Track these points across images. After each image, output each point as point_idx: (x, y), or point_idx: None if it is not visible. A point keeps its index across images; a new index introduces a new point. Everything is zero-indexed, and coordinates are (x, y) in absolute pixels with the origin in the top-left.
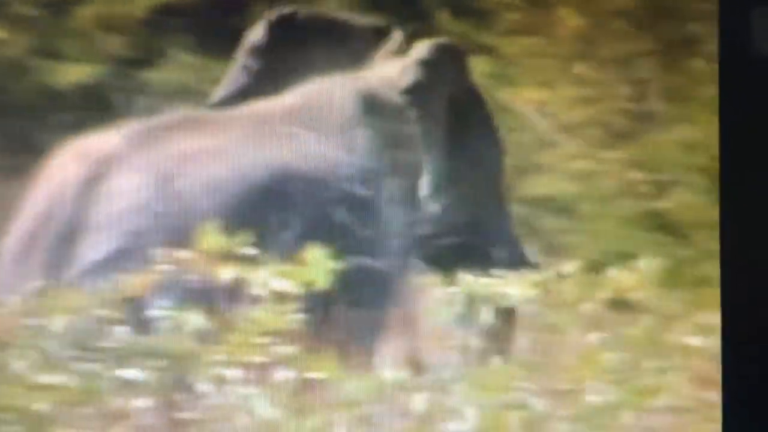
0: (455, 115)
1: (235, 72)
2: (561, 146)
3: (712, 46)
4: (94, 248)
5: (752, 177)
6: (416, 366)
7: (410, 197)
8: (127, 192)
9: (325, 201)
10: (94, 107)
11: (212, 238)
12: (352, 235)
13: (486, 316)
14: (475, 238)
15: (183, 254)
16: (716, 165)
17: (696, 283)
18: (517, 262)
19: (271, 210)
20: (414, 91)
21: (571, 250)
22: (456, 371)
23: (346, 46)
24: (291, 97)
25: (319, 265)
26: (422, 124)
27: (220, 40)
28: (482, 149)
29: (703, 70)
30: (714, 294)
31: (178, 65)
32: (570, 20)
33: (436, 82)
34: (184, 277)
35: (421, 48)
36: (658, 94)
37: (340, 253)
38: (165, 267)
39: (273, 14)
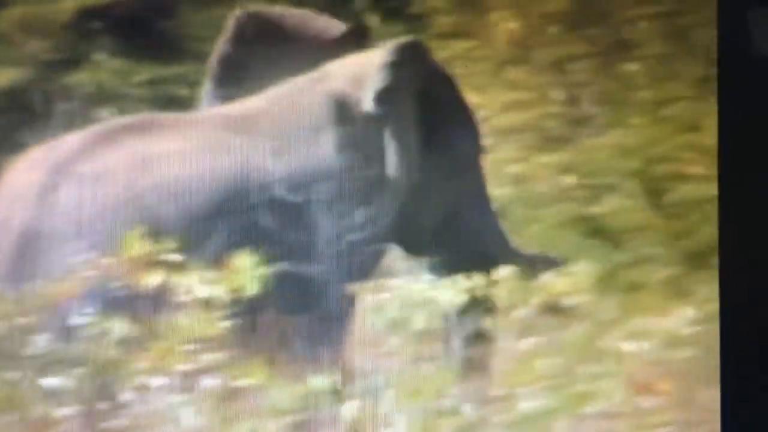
0: (427, 110)
1: (210, 79)
2: (495, 150)
3: (648, 50)
4: (56, 259)
5: (752, 177)
6: (346, 373)
7: (363, 200)
8: (84, 199)
9: (254, 207)
10: (17, 111)
11: (137, 244)
12: (279, 241)
13: (418, 322)
14: (457, 232)
15: (107, 261)
16: (649, 169)
17: (630, 288)
18: (509, 254)
19: (200, 216)
20: (382, 97)
21: None
22: (387, 378)
23: (310, 45)
24: (253, 101)
25: (247, 272)
26: (392, 128)
27: (145, 43)
28: (458, 140)
29: (637, 73)
30: (647, 299)
31: (103, 68)
32: (504, 24)
33: (403, 82)
34: (109, 284)
35: (386, 50)
36: (592, 99)
37: (269, 259)
38: (89, 274)
39: (235, 19)
